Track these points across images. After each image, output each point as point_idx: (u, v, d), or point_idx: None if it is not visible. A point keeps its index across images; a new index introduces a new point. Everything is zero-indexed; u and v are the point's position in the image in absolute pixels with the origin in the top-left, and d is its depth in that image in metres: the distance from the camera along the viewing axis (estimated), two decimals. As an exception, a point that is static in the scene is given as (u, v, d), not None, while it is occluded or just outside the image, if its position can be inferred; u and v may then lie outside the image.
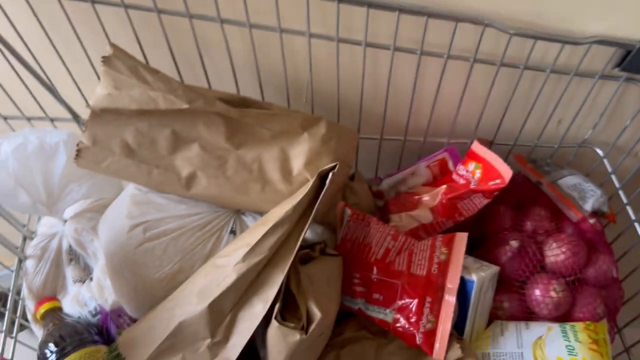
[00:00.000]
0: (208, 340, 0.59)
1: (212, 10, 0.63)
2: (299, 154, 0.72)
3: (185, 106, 0.67)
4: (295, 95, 0.76)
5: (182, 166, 0.69)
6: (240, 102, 0.72)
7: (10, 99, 0.73)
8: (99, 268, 0.78)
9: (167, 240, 0.69)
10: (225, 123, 0.70)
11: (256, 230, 0.62)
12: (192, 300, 0.60)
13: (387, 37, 0.67)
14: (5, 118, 0.75)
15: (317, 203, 0.60)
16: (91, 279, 0.79)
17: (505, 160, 0.72)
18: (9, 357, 0.74)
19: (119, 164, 0.69)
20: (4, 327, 0.75)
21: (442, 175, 0.85)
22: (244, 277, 0.59)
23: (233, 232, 0.73)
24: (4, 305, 0.80)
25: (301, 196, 0.60)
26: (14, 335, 0.76)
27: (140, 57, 0.69)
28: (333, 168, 0.61)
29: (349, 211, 0.74)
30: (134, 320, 0.72)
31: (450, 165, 0.83)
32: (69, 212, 0.80)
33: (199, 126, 0.70)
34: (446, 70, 0.70)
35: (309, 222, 0.60)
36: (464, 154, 0.79)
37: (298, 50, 0.69)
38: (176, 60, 0.70)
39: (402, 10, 0.62)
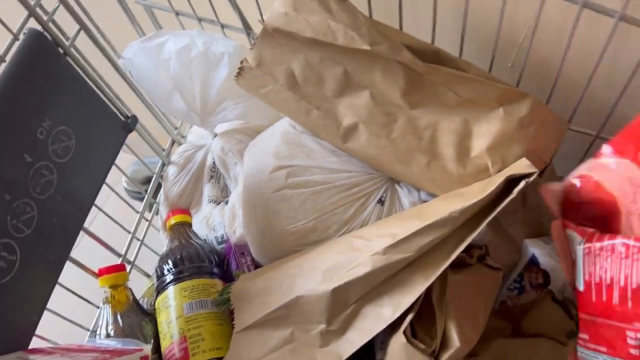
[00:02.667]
0: (322, 326, 0.52)
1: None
2: (485, 132, 0.58)
3: (367, 47, 0.55)
4: (503, 59, 0.61)
5: (345, 114, 0.60)
6: (431, 55, 0.59)
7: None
8: (236, 195, 0.73)
9: (307, 193, 0.61)
10: (406, 76, 0.58)
11: (408, 221, 0.51)
12: (316, 276, 0.52)
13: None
14: (177, 13, 0.70)
15: (495, 213, 0.47)
16: (226, 203, 0.75)
17: None
18: (132, 257, 0.73)
19: (279, 94, 0.61)
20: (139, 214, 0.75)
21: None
22: (379, 272, 0.50)
23: (381, 201, 0.62)
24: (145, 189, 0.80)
25: (476, 199, 0.47)
26: (142, 236, 0.75)
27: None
28: (528, 176, 0.47)
29: (578, 237, 0.49)
30: (255, 264, 0.67)
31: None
32: (220, 127, 0.75)
33: (375, 72, 0.58)
34: None
35: (476, 231, 0.48)
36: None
37: (520, 9, 0.53)
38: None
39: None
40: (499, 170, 0.57)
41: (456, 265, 0.54)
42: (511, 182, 0.49)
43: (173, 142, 0.80)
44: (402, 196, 0.63)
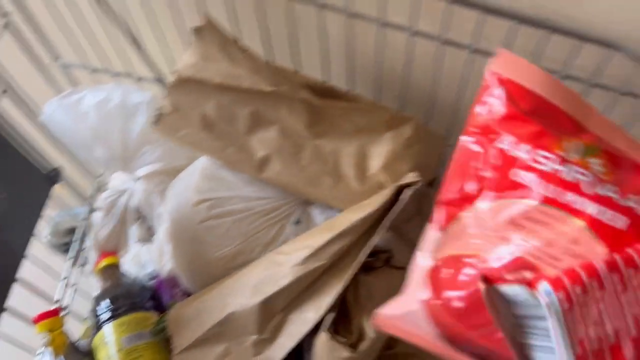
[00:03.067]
0: (255, 337, 0.58)
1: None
2: (379, 153, 0.68)
3: (269, 89, 0.64)
4: (386, 89, 0.71)
5: (258, 147, 0.67)
6: (326, 92, 0.68)
7: (100, 52, 0.72)
8: (162, 232, 0.78)
9: (230, 221, 0.68)
10: (309, 111, 0.67)
11: (321, 233, 0.59)
12: (246, 292, 0.59)
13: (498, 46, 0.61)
14: (93, 70, 0.75)
15: (388, 219, 0.56)
16: (152, 242, 0.79)
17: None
18: (68, 302, 0.76)
19: (195, 135, 0.67)
20: (68, 259, 0.77)
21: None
22: (300, 280, 0.57)
23: (298, 222, 0.70)
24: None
25: (372, 208, 0.56)
26: (73, 283, 0.77)
27: (233, 30, 0.66)
28: (413, 184, 0.57)
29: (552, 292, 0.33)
30: (187, 293, 0.72)
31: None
32: (141, 171, 0.80)
33: (281, 109, 0.67)
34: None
35: (376, 236, 0.57)
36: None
37: (397, 44, 0.64)
38: (268, 38, 0.67)
39: (521, 20, 0.56)
40: (394, 185, 0.67)
41: (367, 269, 0.63)
42: (401, 192, 0.58)
43: (97, 190, 0.83)
44: (315, 216, 0.71)
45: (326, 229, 0.59)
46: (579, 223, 0.35)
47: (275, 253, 0.62)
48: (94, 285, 0.79)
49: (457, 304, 0.37)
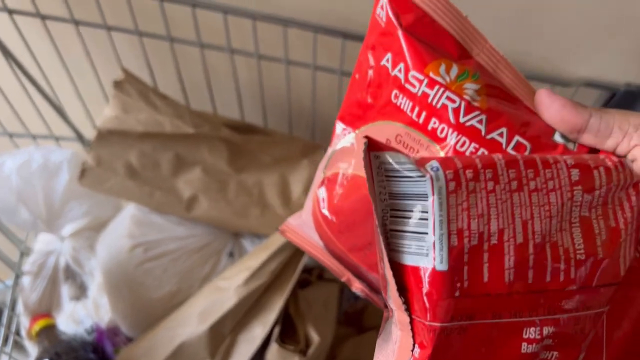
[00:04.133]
0: (207, 362, 0.61)
1: (222, 40, 0.65)
2: (299, 180, 0.74)
3: (192, 131, 0.69)
4: (297, 122, 0.78)
5: (184, 189, 0.71)
6: (244, 129, 0.74)
7: (18, 116, 0.74)
8: (96, 286, 0.78)
9: (166, 261, 0.71)
10: (228, 148, 0.73)
11: (258, 254, 0.63)
12: (192, 321, 0.62)
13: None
14: (10, 135, 0.76)
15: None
16: (87, 297, 0.80)
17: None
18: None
19: (122, 185, 0.70)
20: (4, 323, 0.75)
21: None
22: (244, 301, 0.61)
23: (231, 254, 0.74)
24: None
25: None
26: (8, 351, 0.76)
27: (149, 81, 0.71)
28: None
29: (439, 168, 0.29)
30: (130, 339, 0.73)
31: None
32: (67, 230, 0.81)
33: (202, 150, 0.72)
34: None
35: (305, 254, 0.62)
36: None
37: (302, 80, 0.72)
38: (184, 85, 0.72)
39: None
40: (316, 206, 0.74)
41: (303, 284, 0.68)
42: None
43: (22, 254, 0.83)
44: (247, 246, 0.75)
45: (261, 249, 0.64)
46: (441, 153, 0.32)
47: (217, 279, 0.66)
48: (31, 353, 0.78)
49: (334, 199, 0.35)
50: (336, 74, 0.68)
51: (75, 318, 0.77)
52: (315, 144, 0.76)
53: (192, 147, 0.72)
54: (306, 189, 0.74)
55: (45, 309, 0.79)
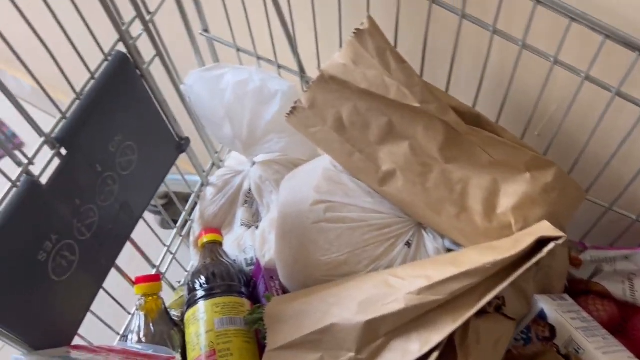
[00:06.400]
0: (351, 354, 0.56)
1: (487, 16, 0.56)
2: (512, 193, 0.64)
3: (416, 105, 0.61)
4: (534, 129, 0.67)
5: (385, 160, 0.65)
6: (473, 118, 0.65)
7: (250, 33, 0.72)
8: (268, 221, 0.78)
9: (344, 228, 0.66)
10: (446, 133, 0.64)
11: (442, 266, 0.56)
12: (352, 307, 0.57)
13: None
14: (238, 49, 0.76)
15: (525, 268, 0.53)
16: (257, 228, 0.79)
17: None
18: (164, 269, 0.77)
19: (327, 135, 0.66)
20: (176, 227, 0.79)
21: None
22: (412, 310, 0.54)
23: (409, 244, 0.68)
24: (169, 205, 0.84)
25: (509, 254, 0.53)
26: (173, 251, 0.79)
27: (390, 37, 0.64)
28: (557, 239, 0.53)
29: None
30: (282, 288, 0.71)
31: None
32: (260, 157, 0.80)
33: (417, 126, 0.64)
34: None
35: (506, 283, 0.53)
36: None
37: (560, 85, 0.60)
38: (425, 53, 0.64)
39: None
40: (521, 229, 0.63)
41: (477, 312, 0.59)
42: (539, 242, 0.54)
43: (213, 165, 0.84)
44: (427, 241, 0.68)
45: (448, 262, 0.56)
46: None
47: (388, 274, 0.60)
48: (191, 258, 0.81)
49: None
50: (610, 91, 0.55)
51: (241, 244, 0.78)
52: (546, 160, 0.64)
53: (408, 120, 0.64)
54: (517, 206, 0.63)
55: (217, 225, 0.80)
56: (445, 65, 0.64)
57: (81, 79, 0.56)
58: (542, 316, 0.69)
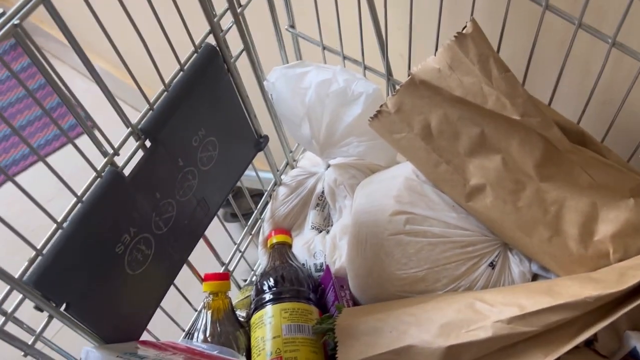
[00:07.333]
0: (430, 380, 0.52)
1: (604, 26, 0.51)
2: (613, 219, 0.58)
3: (516, 117, 0.57)
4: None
5: (474, 173, 0.61)
6: (577, 135, 0.60)
7: (339, 30, 0.69)
8: (339, 226, 0.75)
9: (424, 242, 0.63)
10: (544, 149, 0.59)
11: (537, 295, 0.51)
12: (432, 329, 0.53)
13: None
14: (324, 47, 0.73)
15: (633, 305, 0.48)
16: (327, 232, 0.77)
17: None
18: (232, 268, 0.76)
19: (412, 142, 0.63)
20: (247, 226, 0.77)
21: None
22: (499, 340, 0.50)
23: (492, 265, 0.63)
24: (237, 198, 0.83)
25: (614, 289, 0.48)
26: (242, 249, 0.77)
27: (494, 43, 0.60)
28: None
29: None
30: (353, 299, 0.68)
31: None
32: (336, 159, 0.78)
33: (513, 140, 0.60)
34: None
35: (608, 320, 0.48)
36: None
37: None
38: (530, 63, 0.60)
39: None
40: (619, 259, 0.58)
41: (567, 346, 0.55)
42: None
43: (287, 164, 0.82)
44: (513, 264, 0.64)
45: (544, 292, 0.52)
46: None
47: (473, 297, 0.56)
48: (259, 257, 0.79)
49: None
50: None
51: (310, 248, 0.75)
52: (655, 187, 0.59)
53: (503, 132, 0.60)
54: (617, 234, 0.58)
55: (287, 226, 0.78)
56: (548, 76, 0.59)
57: (168, 71, 0.54)
58: (634, 355, 0.64)
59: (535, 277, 0.63)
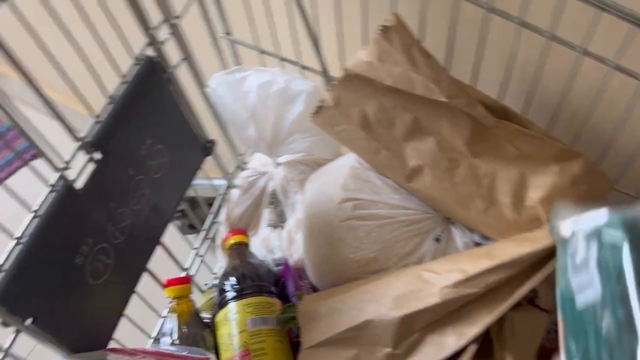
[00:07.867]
0: (388, 350, 0.56)
1: (515, 9, 0.56)
2: (540, 185, 0.64)
3: (444, 100, 0.61)
4: (562, 123, 0.67)
5: (411, 156, 0.65)
6: (500, 111, 0.65)
7: (274, 34, 0.73)
8: (294, 221, 0.78)
9: (373, 225, 0.66)
10: (472, 127, 0.64)
11: (476, 259, 0.56)
12: (386, 302, 0.57)
13: None
14: (261, 51, 0.76)
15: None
16: (283, 228, 0.80)
17: None
18: (193, 272, 0.78)
19: (352, 133, 0.66)
20: (203, 230, 0.79)
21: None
22: (448, 304, 0.55)
23: (438, 239, 0.68)
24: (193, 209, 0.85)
25: (545, 245, 0.53)
26: (202, 253, 0.79)
27: (416, 32, 0.64)
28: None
29: None
30: (312, 287, 0.71)
31: None
32: (284, 157, 0.81)
33: (442, 121, 0.64)
34: None
35: (540, 274, 0.53)
36: None
37: (590, 78, 0.60)
38: (452, 47, 0.64)
39: None
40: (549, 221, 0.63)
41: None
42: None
43: (237, 167, 0.85)
44: (456, 236, 0.68)
45: (483, 255, 0.56)
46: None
47: (422, 269, 0.60)
48: (219, 260, 0.81)
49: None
50: (638, 80, 0.55)
51: (268, 245, 0.78)
52: (574, 152, 0.64)
53: (433, 116, 0.64)
54: (545, 198, 0.63)
55: (243, 226, 0.81)
56: (471, 60, 0.64)
57: (113, 85, 0.56)
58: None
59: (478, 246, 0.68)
